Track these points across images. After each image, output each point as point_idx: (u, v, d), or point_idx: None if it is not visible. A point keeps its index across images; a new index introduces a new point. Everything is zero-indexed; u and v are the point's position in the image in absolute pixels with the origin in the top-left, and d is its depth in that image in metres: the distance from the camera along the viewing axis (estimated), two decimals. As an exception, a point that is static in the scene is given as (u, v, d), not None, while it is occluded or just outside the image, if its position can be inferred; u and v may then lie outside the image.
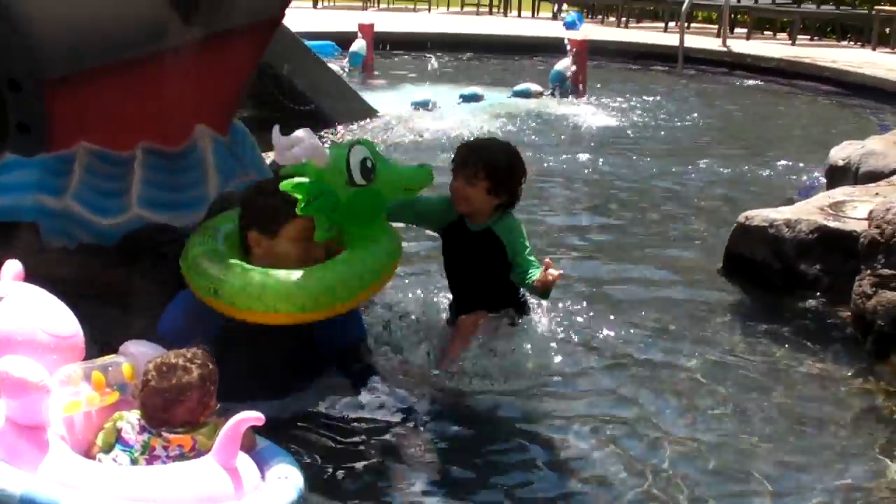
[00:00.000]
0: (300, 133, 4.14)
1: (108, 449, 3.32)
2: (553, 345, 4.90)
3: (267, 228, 4.16)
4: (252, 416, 3.19)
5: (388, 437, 4.13)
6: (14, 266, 3.63)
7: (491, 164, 4.59)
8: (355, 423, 4.18)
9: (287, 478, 3.27)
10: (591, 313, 5.40)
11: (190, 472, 3.14)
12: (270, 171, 5.24)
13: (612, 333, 5.19)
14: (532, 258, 4.59)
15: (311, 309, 3.97)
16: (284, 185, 3.97)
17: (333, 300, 4.02)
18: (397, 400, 4.26)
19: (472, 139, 5.06)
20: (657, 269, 6.47)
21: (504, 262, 4.69)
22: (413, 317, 5.07)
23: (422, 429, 4.18)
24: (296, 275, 3.96)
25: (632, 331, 5.29)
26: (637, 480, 3.87)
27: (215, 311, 4.02)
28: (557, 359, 4.81)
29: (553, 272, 4.32)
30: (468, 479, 3.89)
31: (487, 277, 4.78)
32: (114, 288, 4.51)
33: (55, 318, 3.45)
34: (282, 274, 3.97)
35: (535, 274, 4.41)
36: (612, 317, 5.41)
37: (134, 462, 3.27)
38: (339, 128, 10.74)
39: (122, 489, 3.03)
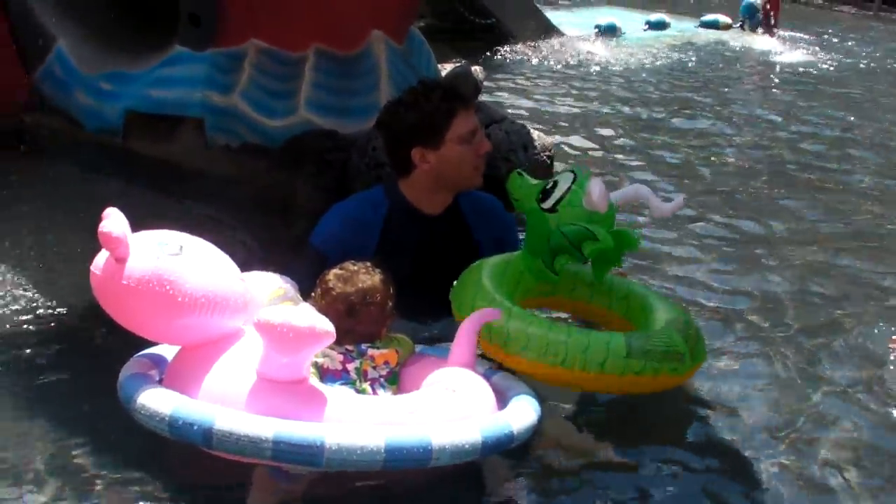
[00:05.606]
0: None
1: None
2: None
3: (431, 139, 3.91)
4: (491, 312, 3.09)
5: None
6: (120, 215, 3.14)
7: None
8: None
9: (527, 395, 3.04)
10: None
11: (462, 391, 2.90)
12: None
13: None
14: None
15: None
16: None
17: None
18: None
19: None
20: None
21: None
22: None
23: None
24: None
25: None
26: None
27: (374, 229, 3.83)
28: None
29: None
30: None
31: None
32: (274, 190, 4.43)
33: (236, 273, 3.11)
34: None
35: None
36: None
37: (360, 391, 3.05)
38: (519, 46, 10.49)
39: (446, 413, 2.76)
